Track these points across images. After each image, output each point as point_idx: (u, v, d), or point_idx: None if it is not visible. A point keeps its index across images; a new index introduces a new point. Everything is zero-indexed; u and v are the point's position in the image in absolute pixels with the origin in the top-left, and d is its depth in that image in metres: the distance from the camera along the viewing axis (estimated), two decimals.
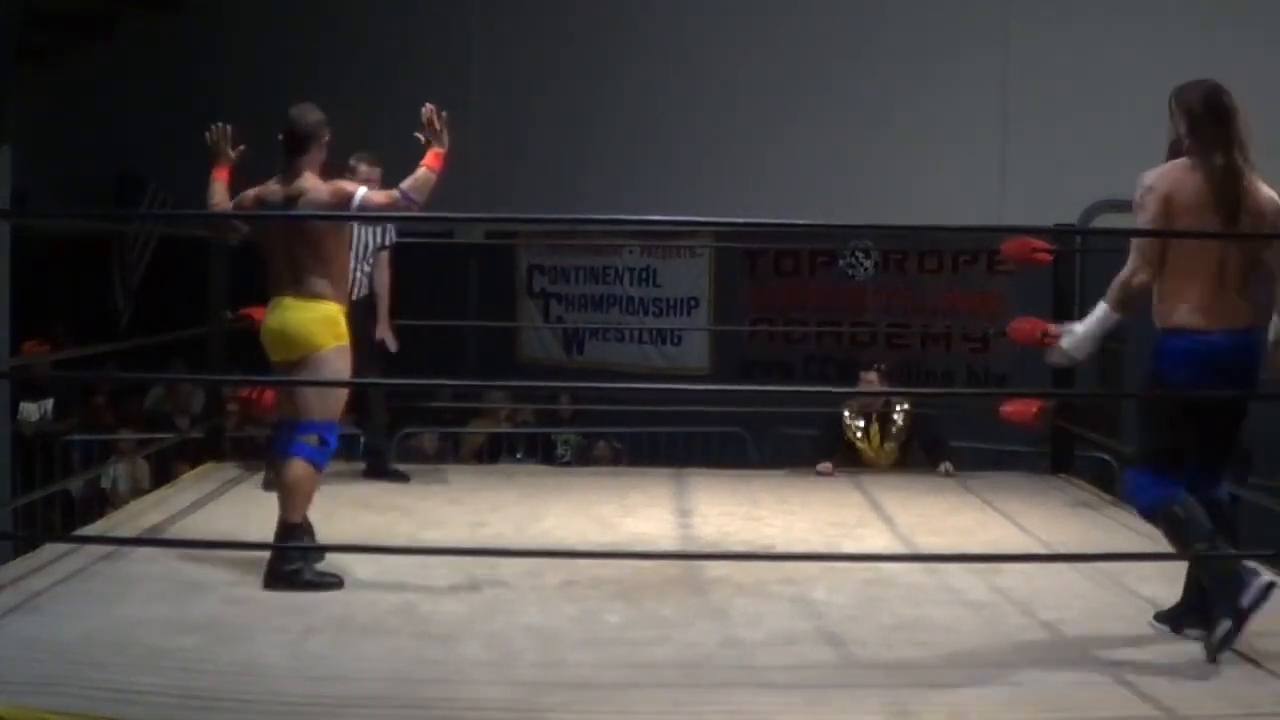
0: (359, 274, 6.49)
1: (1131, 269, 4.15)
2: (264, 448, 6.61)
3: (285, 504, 4.64)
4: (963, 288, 10.30)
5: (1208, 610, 3.87)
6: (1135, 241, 4.20)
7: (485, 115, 12.03)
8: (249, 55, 12.96)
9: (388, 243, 6.70)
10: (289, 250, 4.69)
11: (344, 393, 4.77)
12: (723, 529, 5.77)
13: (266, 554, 4.70)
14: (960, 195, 9.62)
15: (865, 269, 10.62)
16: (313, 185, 4.78)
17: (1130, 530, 5.83)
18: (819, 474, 7.08)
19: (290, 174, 4.82)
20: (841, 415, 7.48)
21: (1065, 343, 4.45)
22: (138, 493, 7.91)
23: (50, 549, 4.87)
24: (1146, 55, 9.52)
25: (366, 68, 12.40)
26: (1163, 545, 5.49)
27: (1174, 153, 4.29)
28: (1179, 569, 4.84)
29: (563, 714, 3.40)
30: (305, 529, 4.78)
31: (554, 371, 11.82)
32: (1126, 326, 8.40)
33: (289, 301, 4.67)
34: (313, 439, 4.61)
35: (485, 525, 5.75)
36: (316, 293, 4.66)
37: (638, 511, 6.08)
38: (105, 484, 8.80)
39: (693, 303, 11.51)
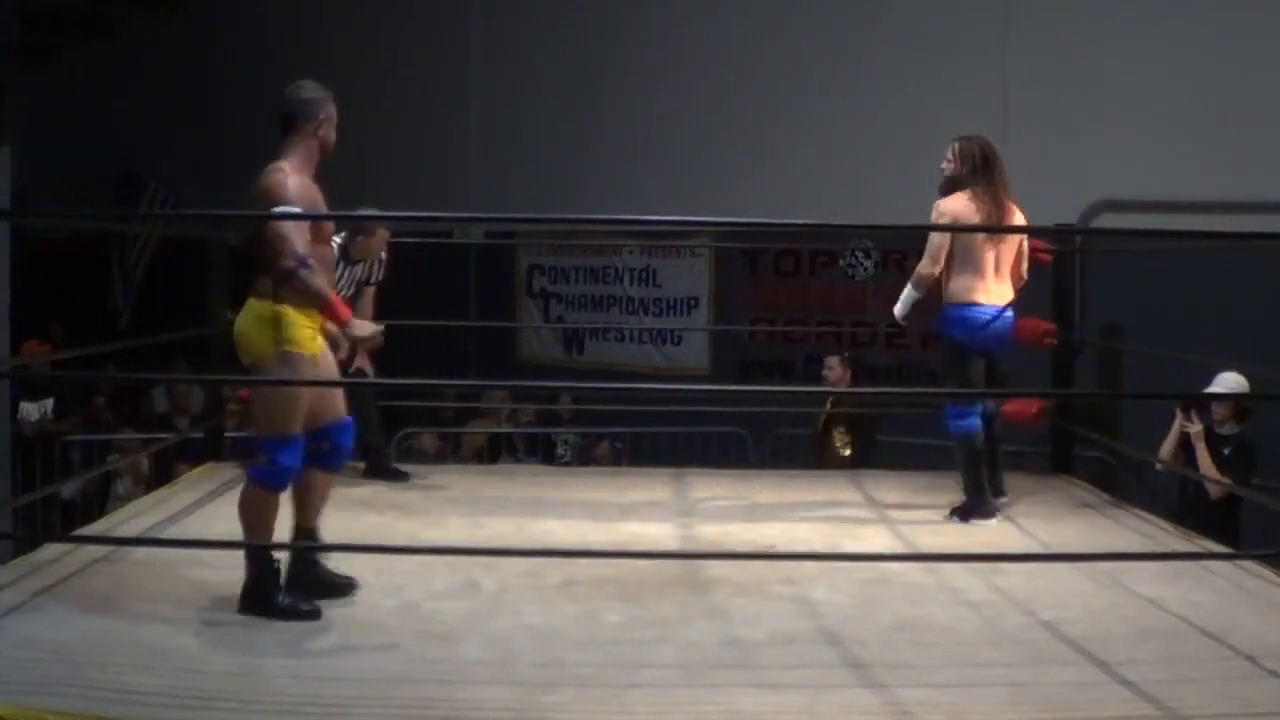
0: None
1: (926, 264, 5.91)
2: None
3: (245, 526, 4.28)
4: None
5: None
6: (928, 245, 5.92)
7: (485, 115, 12.04)
8: (249, 55, 12.97)
9: (373, 280, 6.70)
10: (248, 240, 4.35)
11: (292, 405, 4.19)
12: (723, 529, 5.77)
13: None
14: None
15: (865, 269, 10.62)
16: (265, 172, 4.35)
17: (1130, 530, 5.84)
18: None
19: (274, 156, 4.42)
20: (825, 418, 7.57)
21: (897, 310, 6.06)
22: (143, 490, 7.91)
23: (50, 549, 4.87)
24: (1146, 56, 9.54)
25: (366, 68, 12.40)
26: (1163, 545, 5.51)
27: (950, 185, 5.96)
28: (1179, 569, 4.86)
29: (563, 714, 3.40)
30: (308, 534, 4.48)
31: (554, 371, 11.82)
32: (1126, 326, 8.36)
33: (247, 301, 4.27)
34: (261, 459, 4.23)
35: (485, 525, 5.75)
36: (262, 291, 4.21)
37: (638, 511, 6.08)
38: (122, 491, 8.78)
39: (693, 303, 11.51)
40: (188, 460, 7.94)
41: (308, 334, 4.22)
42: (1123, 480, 7.72)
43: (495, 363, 11.76)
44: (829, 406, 7.91)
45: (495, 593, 4.52)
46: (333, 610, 4.26)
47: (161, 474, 8.41)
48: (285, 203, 4.18)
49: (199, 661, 3.69)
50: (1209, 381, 6.37)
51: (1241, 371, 6.30)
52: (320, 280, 4.16)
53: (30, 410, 9.54)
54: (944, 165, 6.09)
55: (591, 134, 11.47)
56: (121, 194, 13.02)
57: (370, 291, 6.73)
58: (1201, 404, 6.45)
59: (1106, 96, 9.62)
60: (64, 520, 8.49)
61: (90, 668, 3.57)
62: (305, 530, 4.46)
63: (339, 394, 4.48)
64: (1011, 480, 7.03)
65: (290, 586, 4.28)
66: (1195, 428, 6.35)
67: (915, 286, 5.98)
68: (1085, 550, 5.26)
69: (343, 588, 4.41)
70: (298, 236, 4.14)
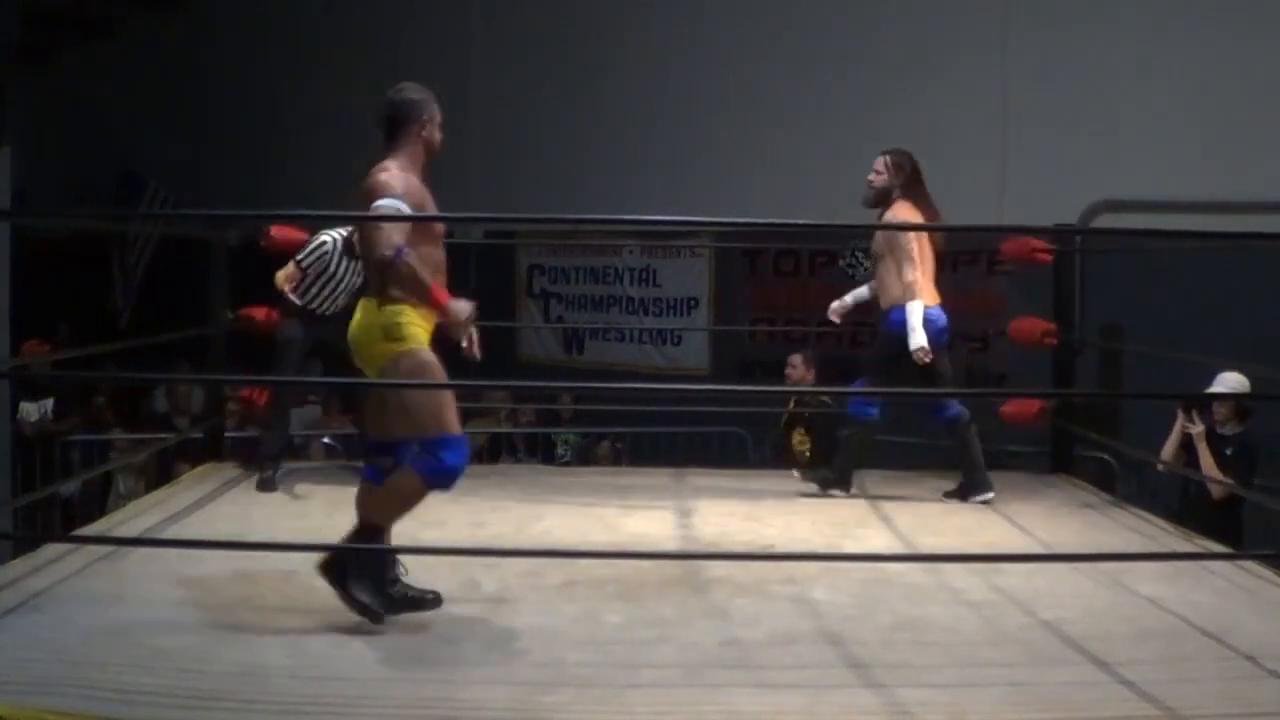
0: (338, 293, 6.56)
1: (912, 272, 6.23)
2: (261, 449, 6.63)
3: (372, 508, 4.18)
4: (963, 288, 10.29)
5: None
6: (903, 248, 6.27)
7: (485, 115, 12.03)
8: (249, 55, 12.97)
9: None
10: (350, 243, 4.29)
11: (447, 402, 4.16)
12: (723, 529, 5.77)
13: (266, 554, 4.70)
14: (960, 195, 9.61)
15: (865, 269, 10.59)
16: (373, 172, 4.21)
17: (1130, 530, 5.84)
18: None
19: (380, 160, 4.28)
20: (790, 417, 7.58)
21: (914, 343, 6.19)
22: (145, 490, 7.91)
23: (50, 549, 4.87)
24: (1146, 56, 9.53)
25: (366, 68, 12.40)
26: (1163, 545, 5.51)
27: (881, 197, 6.35)
28: (1179, 569, 4.86)
29: (563, 714, 3.40)
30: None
31: (554, 371, 11.82)
32: (1126, 326, 8.36)
33: (360, 303, 4.23)
34: (426, 455, 4.09)
35: (485, 525, 5.75)
36: (379, 292, 4.15)
37: (638, 511, 6.08)
38: (123, 491, 8.78)
39: (693, 303, 11.51)
40: (188, 460, 7.95)
41: (422, 332, 4.16)
42: (1123, 480, 7.73)
43: (495, 363, 11.74)
44: (791, 406, 7.93)
45: (495, 593, 4.52)
46: (333, 610, 4.26)
47: (161, 474, 8.42)
48: (389, 198, 4.09)
49: (199, 661, 3.69)
50: (1210, 381, 6.36)
51: (1242, 371, 6.29)
52: (419, 269, 4.06)
53: (30, 410, 9.55)
54: (873, 177, 6.40)
55: (592, 134, 11.46)
56: (121, 194, 13.02)
57: None
58: (1202, 404, 6.45)
59: (1106, 96, 9.62)
60: (64, 520, 8.49)
61: (90, 668, 3.57)
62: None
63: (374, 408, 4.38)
64: (1011, 480, 7.05)
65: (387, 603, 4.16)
66: (1197, 428, 6.35)
67: (909, 295, 6.24)
68: (1085, 550, 5.27)
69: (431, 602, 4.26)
70: (394, 230, 4.06)
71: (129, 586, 4.47)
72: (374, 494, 4.20)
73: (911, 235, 6.20)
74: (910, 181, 6.33)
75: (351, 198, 4.24)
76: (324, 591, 4.46)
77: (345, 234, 6.53)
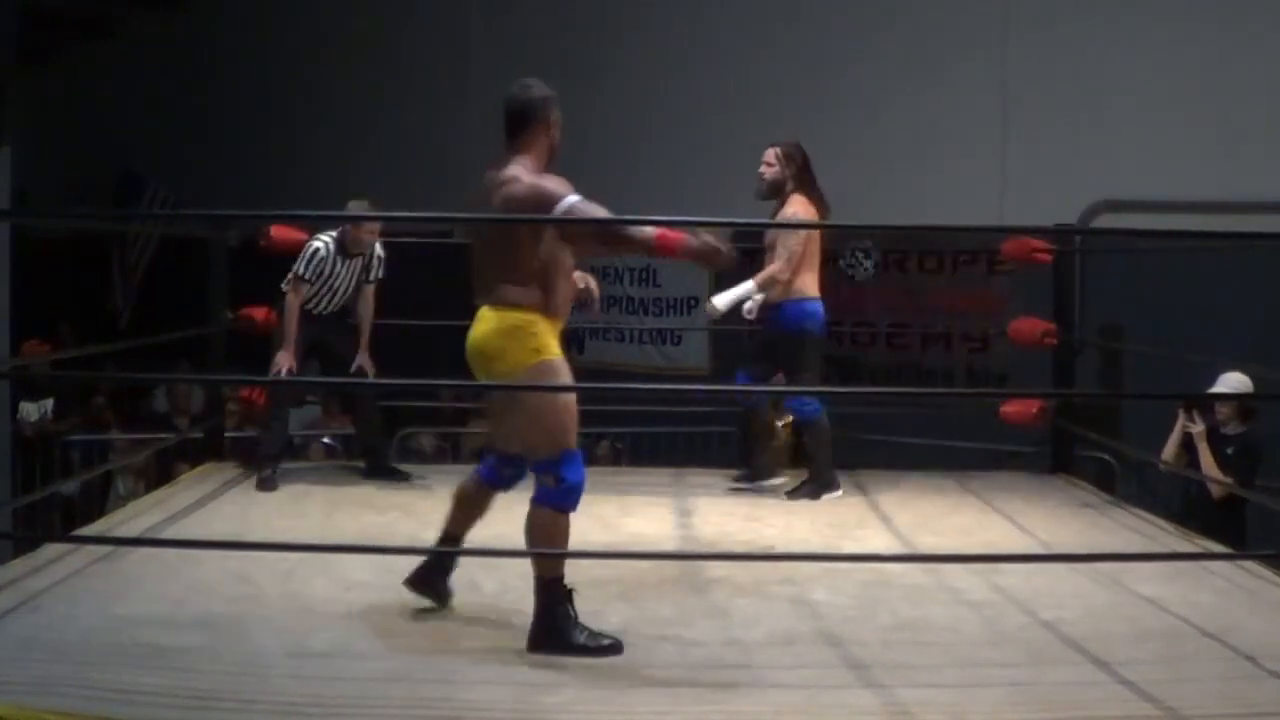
0: (335, 294, 6.56)
1: (784, 268, 6.25)
2: (260, 448, 6.63)
3: (537, 559, 4.01)
4: (963, 288, 10.30)
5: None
6: (788, 246, 6.23)
7: (485, 115, 12.01)
8: (249, 55, 12.97)
9: (371, 278, 6.72)
10: (481, 248, 4.08)
11: (570, 417, 4.02)
12: (723, 529, 5.77)
13: (266, 554, 4.70)
14: (960, 195, 9.62)
15: (865, 269, 10.62)
16: (515, 175, 4.03)
17: (1130, 530, 5.84)
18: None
19: (502, 160, 4.11)
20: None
21: (718, 302, 6.27)
22: (145, 490, 7.90)
23: (50, 549, 4.87)
24: (1146, 56, 9.54)
25: (366, 68, 12.41)
26: (1163, 545, 5.51)
27: (774, 189, 6.37)
28: (1179, 569, 4.86)
29: (563, 714, 3.40)
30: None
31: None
32: (1126, 326, 8.37)
33: (481, 312, 4.06)
34: (549, 480, 3.97)
35: (485, 525, 5.73)
36: (508, 300, 3.98)
37: (638, 511, 6.08)
38: (123, 491, 8.78)
39: (693, 303, 11.49)
40: (188, 460, 7.95)
41: (555, 342, 4.03)
42: (1123, 480, 7.73)
43: None
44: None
45: (496, 593, 4.52)
46: (333, 610, 4.27)
47: (161, 474, 8.41)
48: (569, 197, 3.93)
49: (199, 661, 3.68)
50: (1210, 381, 6.36)
51: (1244, 372, 6.29)
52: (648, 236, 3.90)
53: (30, 410, 9.55)
54: (764, 170, 6.39)
55: (591, 134, 11.45)
56: (121, 194, 13.01)
57: (370, 290, 6.74)
58: (1203, 404, 6.45)
59: (1106, 96, 9.62)
60: (64, 520, 8.49)
61: (90, 668, 3.57)
62: (451, 536, 4.32)
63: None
64: (1011, 480, 7.06)
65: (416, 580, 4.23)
66: (1197, 428, 6.34)
67: (764, 288, 6.28)
68: (1085, 550, 5.26)
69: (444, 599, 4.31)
70: (596, 212, 3.95)
71: (129, 586, 4.47)
72: (532, 537, 4.03)
73: (801, 231, 6.19)
74: (801, 173, 6.35)
75: (477, 202, 4.10)
76: (324, 591, 4.47)
77: (336, 235, 6.55)
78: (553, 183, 3.99)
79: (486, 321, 4.02)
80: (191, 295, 7.29)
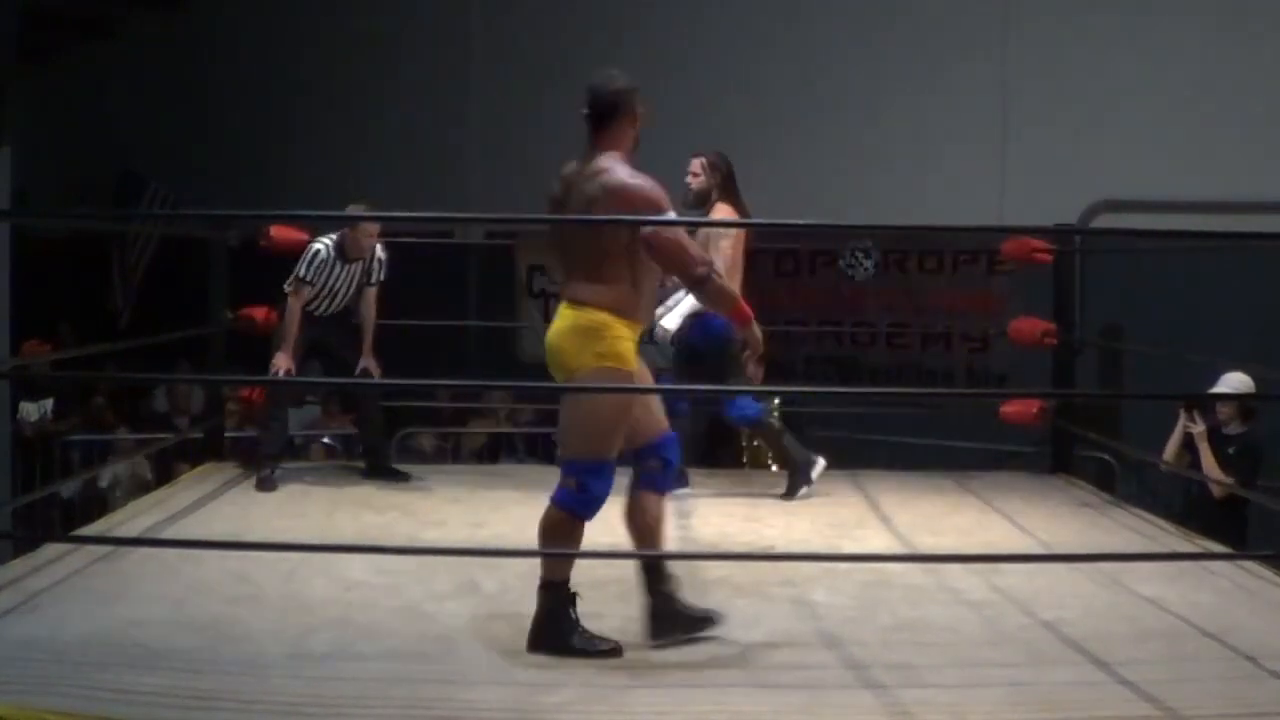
0: (335, 296, 6.56)
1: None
2: (259, 449, 6.63)
3: (544, 560, 3.96)
4: (963, 288, 10.30)
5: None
6: (724, 252, 6.08)
7: (485, 115, 12.03)
8: (249, 55, 12.96)
9: (373, 281, 6.72)
10: (559, 243, 4.00)
11: (617, 424, 3.93)
12: (722, 529, 5.76)
13: (266, 553, 4.70)
14: (960, 195, 9.63)
15: (865, 269, 10.62)
16: (609, 166, 3.96)
17: (1130, 530, 5.84)
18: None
19: (589, 153, 4.06)
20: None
21: (668, 324, 6.31)
22: (141, 491, 7.90)
23: (50, 549, 4.87)
24: (1146, 56, 9.54)
25: (366, 68, 12.40)
26: (1163, 545, 5.52)
27: (701, 198, 6.32)
28: (1179, 568, 4.86)
29: (563, 714, 3.40)
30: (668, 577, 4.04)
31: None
32: (1126, 326, 8.34)
33: (560, 309, 3.97)
34: (570, 482, 3.90)
35: (485, 525, 5.75)
36: (586, 299, 3.88)
37: None
38: (103, 483, 8.79)
39: None
40: (188, 460, 7.95)
41: (629, 347, 3.91)
42: (1123, 480, 7.73)
43: (495, 363, 11.75)
44: None
45: (495, 593, 4.52)
46: (333, 610, 4.27)
47: (161, 474, 8.41)
48: (663, 206, 3.88)
49: (199, 661, 3.68)
50: (1211, 381, 6.36)
51: (1245, 372, 6.28)
52: (727, 283, 3.94)
53: (30, 410, 9.54)
54: (691, 179, 6.35)
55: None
56: (121, 194, 13.00)
57: (371, 292, 6.74)
58: (1203, 404, 6.44)
59: (1106, 96, 9.62)
60: (64, 520, 8.49)
61: (90, 668, 3.57)
62: (653, 565, 4.05)
63: (659, 407, 4.10)
64: (1011, 480, 7.05)
65: (657, 623, 3.96)
66: (1198, 427, 6.34)
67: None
68: (1085, 550, 5.26)
69: (704, 622, 4.01)
70: (686, 239, 3.90)
71: (129, 586, 4.47)
72: (542, 536, 3.96)
73: (731, 237, 6.17)
74: (726, 181, 6.35)
75: (570, 196, 4.03)
76: (324, 591, 4.47)
77: (336, 239, 6.54)
78: (657, 190, 3.92)
79: (563, 319, 3.94)
80: (191, 295, 7.29)
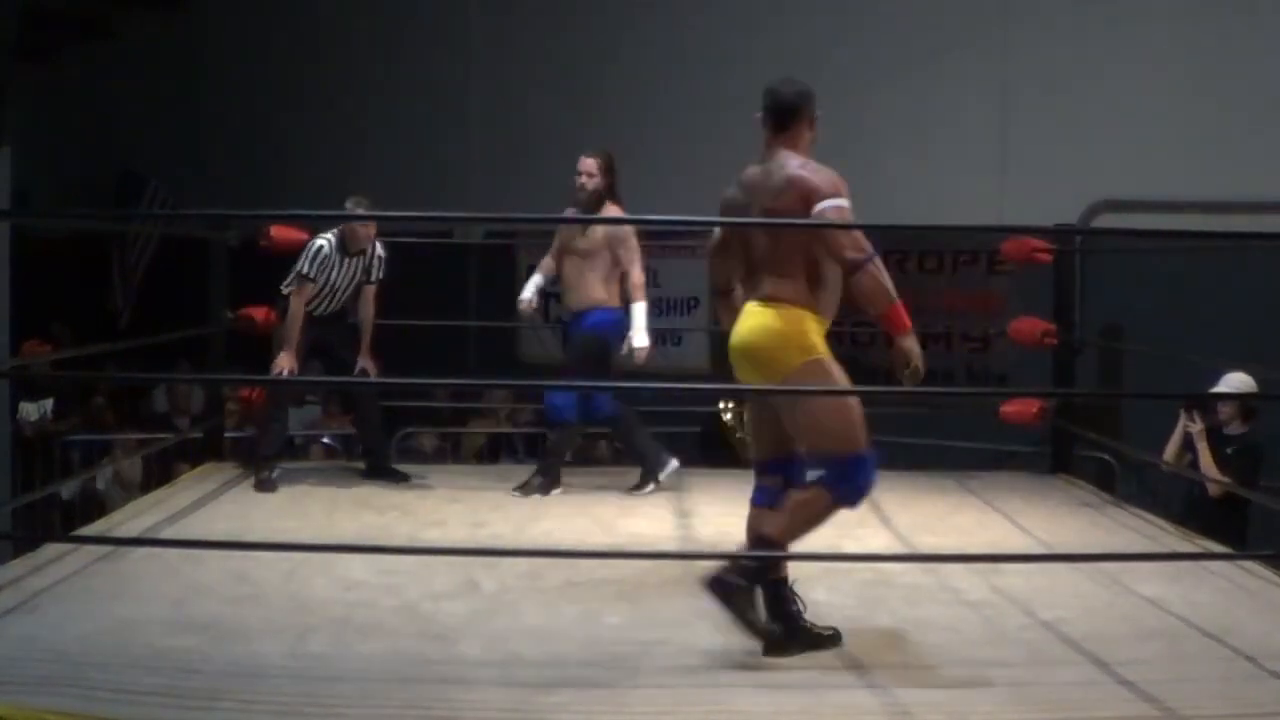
0: (336, 294, 6.57)
1: (640, 270, 6.42)
2: (258, 449, 6.63)
3: (778, 528, 3.89)
4: (963, 288, 10.30)
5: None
6: (633, 250, 6.40)
7: (485, 115, 12.03)
8: (249, 55, 12.96)
9: (372, 279, 6.72)
10: (748, 241, 3.98)
11: (852, 412, 3.92)
12: (723, 529, 5.76)
13: (266, 553, 4.70)
14: (960, 195, 9.62)
15: None
16: (789, 161, 4.01)
17: (1130, 530, 5.84)
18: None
19: (767, 155, 4.11)
20: (719, 413, 7.56)
21: (644, 341, 6.41)
22: (128, 495, 7.90)
23: (50, 549, 4.87)
24: (1146, 56, 9.54)
25: (366, 68, 12.40)
26: (1163, 545, 5.51)
27: (597, 199, 6.34)
28: (1178, 568, 4.86)
29: (563, 714, 3.40)
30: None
31: (554, 371, 11.80)
32: (1126, 326, 8.31)
33: (748, 307, 3.94)
34: (841, 476, 3.85)
35: (485, 525, 5.75)
36: (776, 296, 3.86)
37: (638, 511, 6.08)
38: (100, 484, 8.79)
39: (693, 303, 11.50)
40: (188, 460, 7.95)
41: (822, 340, 3.90)
42: (1123, 480, 7.72)
43: (495, 363, 11.75)
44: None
45: (495, 593, 4.52)
46: (333, 610, 4.27)
47: (162, 474, 8.41)
48: (837, 197, 3.88)
49: (199, 661, 3.68)
50: (1210, 380, 6.35)
51: (1246, 372, 6.27)
52: (883, 278, 3.78)
53: (30, 410, 9.53)
54: (586, 180, 6.37)
55: (592, 133, 11.45)
56: (121, 194, 13.00)
57: (371, 290, 6.74)
58: (1203, 404, 6.44)
59: (1106, 96, 9.62)
60: (64, 520, 8.49)
61: (90, 668, 3.57)
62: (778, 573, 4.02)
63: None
64: (1011, 480, 7.05)
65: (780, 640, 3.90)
66: (1196, 426, 6.33)
67: (637, 295, 6.44)
68: (1085, 550, 5.26)
69: (830, 640, 3.96)
70: (861, 233, 3.86)
71: (129, 586, 4.48)
72: (773, 513, 3.92)
73: (636, 236, 6.37)
74: (613, 181, 6.43)
75: (752, 198, 4.04)
76: (324, 591, 4.47)
77: (336, 234, 6.55)
78: (835, 178, 3.96)
79: (753, 317, 3.89)
80: (191, 295, 7.29)
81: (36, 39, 12.12)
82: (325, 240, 6.52)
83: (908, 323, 3.87)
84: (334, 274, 6.56)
